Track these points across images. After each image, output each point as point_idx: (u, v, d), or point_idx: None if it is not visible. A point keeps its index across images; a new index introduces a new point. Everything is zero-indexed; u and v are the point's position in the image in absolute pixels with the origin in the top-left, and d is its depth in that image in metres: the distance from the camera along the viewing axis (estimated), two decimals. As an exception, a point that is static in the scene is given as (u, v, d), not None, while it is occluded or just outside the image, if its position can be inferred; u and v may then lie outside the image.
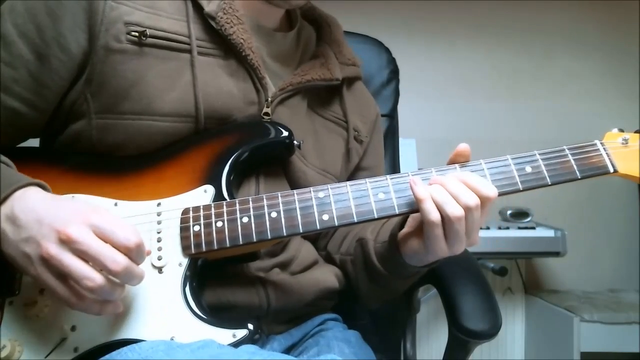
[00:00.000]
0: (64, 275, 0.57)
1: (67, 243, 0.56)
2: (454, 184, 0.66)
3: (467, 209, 0.65)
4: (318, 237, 0.92)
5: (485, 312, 0.85)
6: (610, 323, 1.94)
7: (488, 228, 1.91)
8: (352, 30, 1.09)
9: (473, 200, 0.65)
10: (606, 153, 0.72)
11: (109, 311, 0.60)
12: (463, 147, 0.71)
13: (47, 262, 0.57)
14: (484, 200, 0.66)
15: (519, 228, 1.93)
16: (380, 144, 0.99)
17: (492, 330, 0.83)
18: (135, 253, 0.59)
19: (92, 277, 0.56)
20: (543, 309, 2.16)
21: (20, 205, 0.59)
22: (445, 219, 0.66)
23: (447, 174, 0.69)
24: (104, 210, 0.61)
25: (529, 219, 2.01)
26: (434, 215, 0.65)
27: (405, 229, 0.74)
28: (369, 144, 0.94)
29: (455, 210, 0.65)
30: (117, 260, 0.57)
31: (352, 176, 0.91)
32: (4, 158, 0.67)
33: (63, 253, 0.56)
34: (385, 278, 0.80)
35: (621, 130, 0.75)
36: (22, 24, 0.69)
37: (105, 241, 0.57)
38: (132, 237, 0.58)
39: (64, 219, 0.58)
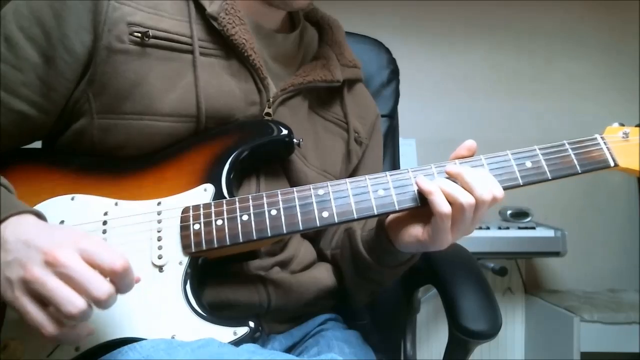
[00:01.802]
0: (42, 302, 0.54)
1: (52, 266, 0.53)
2: (472, 176, 0.66)
3: (481, 202, 0.65)
4: (317, 237, 0.92)
5: (485, 312, 0.85)
6: (610, 323, 1.94)
7: (488, 228, 1.91)
8: (352, 31, 1.09)
9: (488, 195, 0.66)
10: (606, 147, 0.72)
11: (83, 338, 0.57)
12: (470, 143, 0.71)
13: (29, 285, 0.54)
14: (494, 199, 0.67)
15: (519, 228, 1.93)
16: (379, 146, 0.99)
17: (492, 331, 0.83)
18: (120, 277, 0.55)
19: (75, 302, 0.53)
20: (543, 309, 2.16)
21: (12, 229, 0.57)
22: (457, 208, 0.65)
23: (463, 166, 0.68)
24: (96, 237, 0.60)
25: (529, 219, 2.01)
26: (446, 208, 0.65)
27: (392, 216, 0.74)
28: (367, 146, 0.94)
29: (468, 199, 0.65)
30: (102, 288, 0.54)
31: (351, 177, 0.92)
32: (5, 182, 0.65)
33: (47, 275, 0.53)
34: (371, 267, 0.79)
35: (622, 125, 0.75)
36: (28, 27, 0.69)
37: (93, 266, 0.55)
38: (118, 260, 0.55)
39: (51, 242, 0.55)
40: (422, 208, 0.69)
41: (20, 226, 0.58)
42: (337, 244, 0.88)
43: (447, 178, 0.68)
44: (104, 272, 0.55)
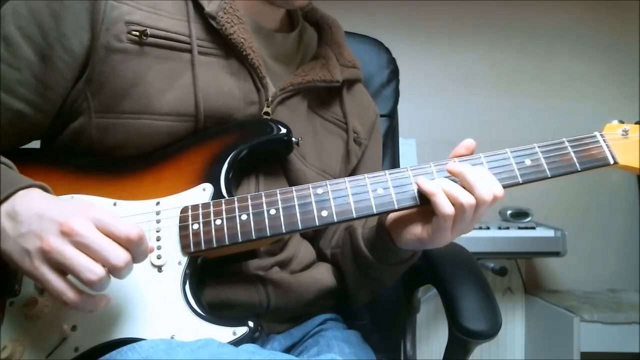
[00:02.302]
0: (61, 270, 0.56)
1: (69, 236, 0.55)
2: (474, 175, 0.66)
3: (482, 202, 0.66)
4: (317, 236, 0.92)
5: (485, 312, 0.85)
6: (610, 323, 1.94)
7: (488, 228, 1.90)
8: (352, 31, 1.09)
9: (488, 195, 0.66)
10: (606, 145, 0.72)
11: (101, 306, 0.59)
12: (468, 141, 0.71)
13: (47, 255, 0.55)
14: (495, 199, 0.67)
15: (519, 228, 1.93)
16: (378, 147, 0.99)
17: (492, 330, 0.83)
18: (136, 245, 0.57)
19: (94, 269, 0.55)
20: (543, 309, 2.16)
21: (22, 202, 0.59)
22: (458, 207, 0.65)
23: (464, 164, 0.68)
24: (105, 209, 0.61)
25: (529, 219, 2.01)
26: (449, 209, 0.65)
27: (392, 214, 0.74)
28: (367, 146, 0.94)
29: (469, 199, 0.65)
30: (120, 254, 0.56)
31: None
32: (4, 159, 0.67)
33: (65, 245, 0.55)
34: (372, 265, 0.79)
35: (621, 122, 0.74)
36: (25, 26, 0.69)
37: (107, 235, 0.57)
38: (133, 229, 0.57)
39: (65, 213, 0.57)
40: (422, 207, 0.69)
41: (30, 199, 0.60)
42: (337, 243, 0.88)
43: (447, 177, 0.68)
44: (120, 240, 0.57)
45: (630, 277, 2.30)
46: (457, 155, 0.71)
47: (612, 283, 2.31)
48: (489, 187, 0.66)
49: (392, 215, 0.74)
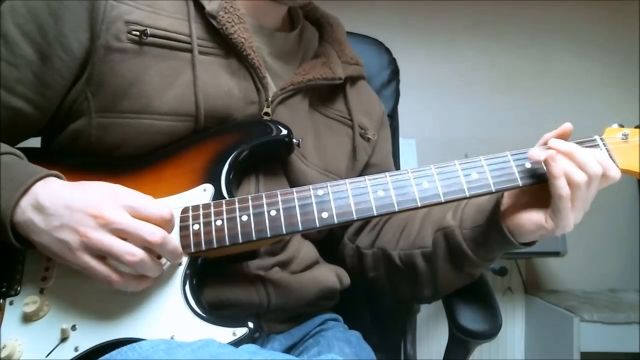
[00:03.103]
0: (102, 256, 0.60)
1: (105, 225, 0.59)
2: (582, 153, 0.67)
3: (592, 177, 0.67)
4: (324, 237, 0.91)
5: (485, 312, 0.85)
6: (610, 323, 1.93)
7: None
8: (353, 31, 1.09)
9: (598, 170, 0.67)
10: (606, 148, 0.72)
11: (144, 286, 0.63)
12: (567, 126, 0.71)
13: (87, 246, 0.59)
14: (607, 179, 0.68)
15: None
16: (387, 141, 0.99)
17: (492, 330, 0.83)
18: (170, 223, 0.63)
19: (133, 251, 0.59)
20: (543, 309, 2.16)
21: (45, 194, 0.61)
22: (571, 184, 0.66)
23: (572, 144, 0.69)
24: (127, 189, 0.64)
25: (529, 219, 2.01)
26: (566, 190, 0.66)
27: (505, 206, 0.74)
28: (377, 142, 0.94)
29: (580, 177, 0.66)
30: (155, 232, 0.61)
31: (361, 174, 0.91)
32: (14, 150, 0.68)
33: (102, 235, 0.59)
34: (473, 263, 0.79)
35: (621, 126, 0.74)
36: (24, 24, 0.69)
37: (139, 218, 0.61)
38: (165, 210, 0.62)
39: (94, 203, 0.60)
40: (538, 192, 0.70)
41: (51, 189, 0.62)
42: (414, 244, 0.85)
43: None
44: (155, 221, 0.62)
45: (630, 277, 2.30)
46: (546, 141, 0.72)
47: (612, 283, 2.31)
48: (596, 163, 0.67)
49: (505, 209, 0.73)
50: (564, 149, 0.68)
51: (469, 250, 0.77)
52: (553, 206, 0.68)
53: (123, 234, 0.60)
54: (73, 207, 0.60)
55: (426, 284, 0.84)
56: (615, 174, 0.69)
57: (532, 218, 0.71)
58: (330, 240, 0.92)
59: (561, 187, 0.66)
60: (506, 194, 0.74)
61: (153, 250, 0.62)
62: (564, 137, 0.71)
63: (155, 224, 0.62)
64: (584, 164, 0.67)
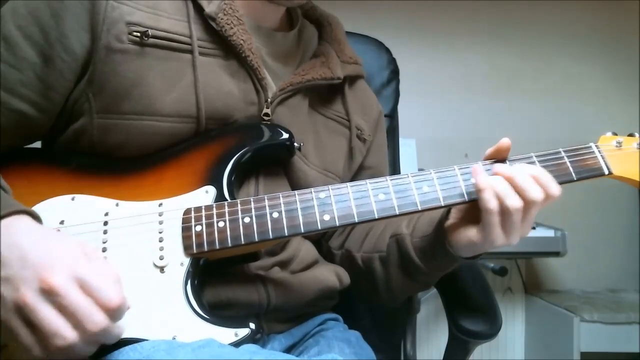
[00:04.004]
0: (34, 325, 0.53)
1: (47, 293, 0.52)
2: (522, 177, 0.67)
3: (532, 203, 0.67)
4: (323, 238, 0.92)
5: (485, 312, 0.85)
6: (610, 323, 1.94)
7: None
8: (353, 30, 1.09)
9: (539, 196, 0.67)
10: (601, 155, 0.74)
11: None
12: (505, 142, 0.72)
13: (20, 309, 0.52)
14: (547, 197, 0.68)
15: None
16: (383, 143, 0.99)
17: (492, 331, 0.83)
18: (115, 314, 0.55)
19: (64, 334, 0.52)
20: (543, 309, 2.17)
21: (6, 237, 0.55)
22: (503, 209, 0.67)
23: (515, 165, 0.70)
24: (95, 255, 0.58)
25: (529, 219, 2.01)
26: (493, 203, 0.66)
27: (452, 220, 0.75)
28: (372, 143, 0.94)
29: (514, 202, 0.66)
30: (96, 321, 0.53)
31: (356, 175, 0.91)
32: (2, 183, 0.64)
33: (40, 303, 0.52)
34: (421, 272, 0.79)
35: (614, 134, 0.77)
36: (25, 26, 0.69)
37: (89, 296, 0.54)
38: (115, 298, 0.54)
39: (49, 264, 0.54)
40: (477, 210, 0.70)
41: (14, 234, 0.56)
42: (374, 248, 0.87)
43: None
44: (100, 305, 0.54)
45: (630, 277, 2.30)
46: (492, 157, 0.73)
47: (612, 283, 2.31)
48: (538, 189, 0.67)
49: (454, 224, 0.74)
50: (506, 174, 0.68)
51: (417, 259, 0.79)
52: (482, 220, 0.69)
53: (63, 309, 0.52)
54: (27, 261, 0.54)
55: (382, 288, 0.86)
56: (555, 191, 0.68)
57: (468, 232, 0.72)
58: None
59: (487, 200, 0.67)
60: (455, 207, 0.74)
61: None
62: (501, 153, 0.72)
63: (101, 309, 0.54)
64: (523, 189, 0.67)
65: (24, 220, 0.58)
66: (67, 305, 0.52)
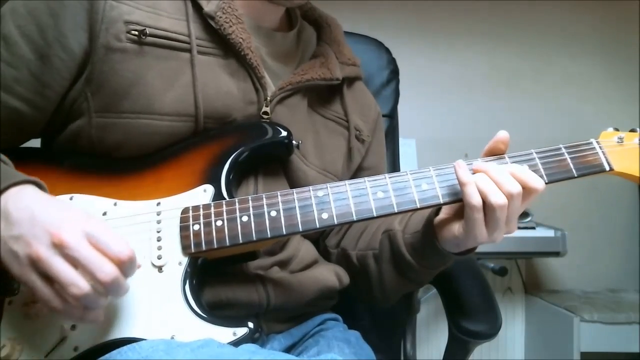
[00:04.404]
0: (49, 278, 0.56)
1: (58, 247, 0.55)
2: (498, 172, 0.67)
3: (510, 197, 0.66)
4: (320, 236, 0.92)
5: (485, 312, 0.85)
6: (610, 323, 1.94)
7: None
8: (352, 30, 1.09)
9: (516, 189, 0.66)
10: (602, 152, 0.73)
11: (89, 319, 0.58)
12: (502, 133, 0.72)
13: (35, 263, 0.55)
14: (530, 191, 0.67)
15: (519, 228, 1.92)
16: (381, 144, 0.99)
17: (492, 331, 0.83)
18: (126, 266, 0.57)
19: (79, 284, 0.55)
20: (543, 309, 2.17)
21: (15, 201, 0.58)
22: (487, 206, 0.66)
23: (490, 163, 0.70)
24: (99, 220, 0.60)
25: (529, 219, 2.01)
26: (476, 199, 0.66)
27: (441, 216, 0.75)
28: (370, 144, 0.94)
29: (498, 199, 0.66)
30: (107, 271, 0.55)
31: (354, 176, 0.91)
32: (2, 157, 0.66)
33: (53, 256, 0.55)
34: (413, 269, 0.79)
35: (616, 130, 0.76)
36: (24, 25, 0.69)
37: (98, 250, 0.56)
38: (125, 249, 0.57)
39: (58, 222, 0.56)
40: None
41: (22, 198, 0.59)
42: (367, 245, 0.87)
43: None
44: (110, 259, 0.56)
45: (630, 277, 2.30)
46: (492, 150, 0.72)
47: (612, 283, 2.31)
48: (513, 182, 0.67)
49: (445, 220, 0.74)
50: (482, 168, 0.68)
51: (408, 255, 0.79)
52: (464, 215, 0.68)
53: (74, 262, 0.55)
54: (36, 220, 0.56)
55: (376, 286, 0.86)
56: (537, 185, 0.68)
57: (452, 226, 0.72)
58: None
59: (469, 194, 0.67)
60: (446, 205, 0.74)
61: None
62: (498, 145, 0.72)
63: (112, 261, 0.56)
64: (498, 182, 0.67)
65: (32, 188, 0.61)
66: (79, 257, 0.55)
